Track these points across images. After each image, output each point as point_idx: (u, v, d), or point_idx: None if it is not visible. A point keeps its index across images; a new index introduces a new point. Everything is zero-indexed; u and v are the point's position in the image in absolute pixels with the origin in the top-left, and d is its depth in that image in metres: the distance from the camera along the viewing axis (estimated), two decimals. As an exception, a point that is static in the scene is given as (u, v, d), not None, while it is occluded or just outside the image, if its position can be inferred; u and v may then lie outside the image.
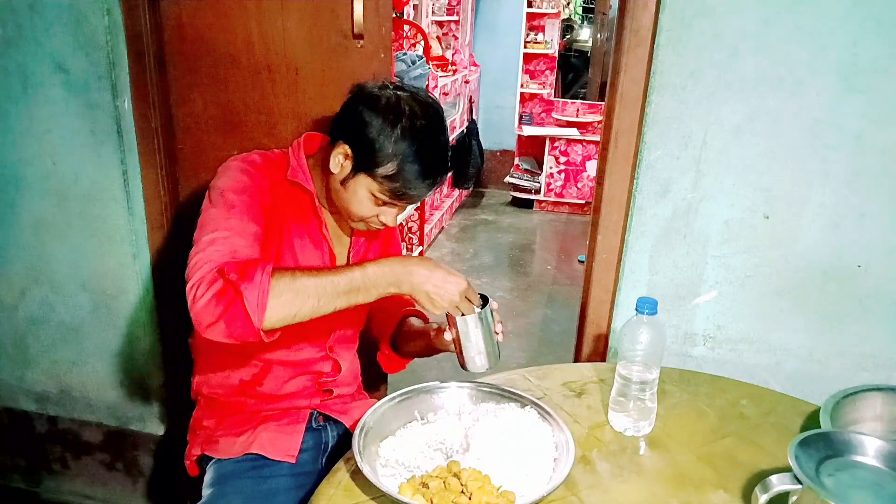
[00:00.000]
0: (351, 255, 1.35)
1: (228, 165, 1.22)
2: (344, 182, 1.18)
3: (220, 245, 1.06)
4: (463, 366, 1.19)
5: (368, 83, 1.20)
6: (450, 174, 1.18)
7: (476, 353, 1.17)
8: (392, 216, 1.21)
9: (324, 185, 1.25)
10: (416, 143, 1.13)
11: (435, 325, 1.27)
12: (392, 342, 1.43)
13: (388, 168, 1.13)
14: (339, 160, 1.17)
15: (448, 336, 1.19)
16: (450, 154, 1.20)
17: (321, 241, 1.28)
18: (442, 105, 1.26)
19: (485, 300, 1.18)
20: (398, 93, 1.16)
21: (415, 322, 1.40)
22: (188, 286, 1.01)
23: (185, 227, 1.86)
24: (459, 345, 1.17)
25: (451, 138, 4.80)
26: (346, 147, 1.15)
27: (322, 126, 1.56)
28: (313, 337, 1.33)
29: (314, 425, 1.36)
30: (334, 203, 1.25)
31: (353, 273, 1.05)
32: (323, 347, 1.35)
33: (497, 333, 1.19)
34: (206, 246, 1.06)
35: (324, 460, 1.33)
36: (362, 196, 1.17)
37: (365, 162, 1.14)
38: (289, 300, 1.00)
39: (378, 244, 1.42)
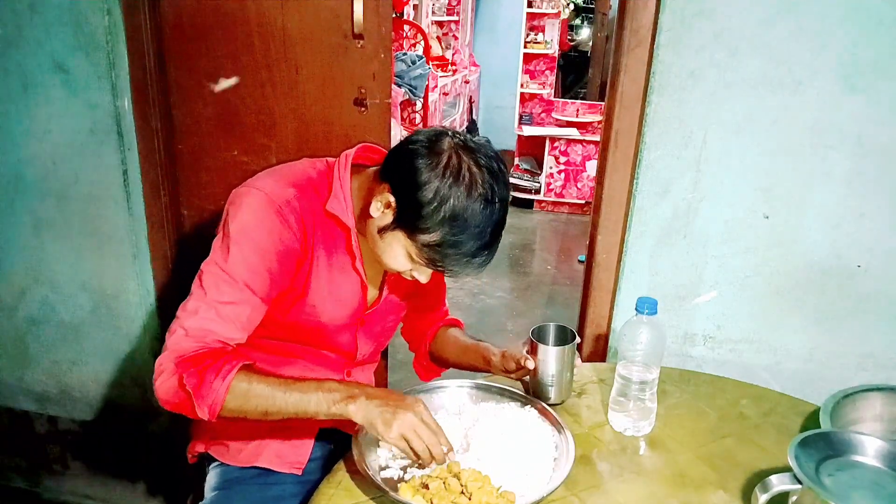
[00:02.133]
0: (385, 289, 1.26)
1: (250, 198, 1.07)
2: (381, 232, 1.06)
3: (197, 322, 1.02)
4: (533, 394, 1.21)
5: (426, 130, 1.06)
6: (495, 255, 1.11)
7: (549, 385, 1.18)
8: (426, 276, 1.11)
9: (365, 211, 1.12)
10: (467, 218, 0.99)
11: (496, 350, 1.23)
12: (429, 350, 1.40)
13: (431, 238, 1.01)
14: (380, 206, 1.05)
15: (530, 364, 1.16)
16: (502, 232, 1.06)
17: (354, 273, 1.19)
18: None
19: (573, 336, 1.20)
20: (461, 153, 1.00)
21: (459, 335, 1.36)
22: (157, 359, 1.02)
23: (185, 227, 1.86)
24: (536, 373, 1.18)
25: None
26: (391, 197, 1.03)
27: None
28: (333, 364, 1.28)
29: (324, 437, 1.33)
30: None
31: (308, 396, 1.01)
32: (341, 371, 1.31)
33: (575, 367, 1.21)
34: (187, 316, 1.03)
35: (330, 467, 1.32)
36: (398, 252, 1.06)
37: (407, 221, 1.02)
38: (240, 404, 1.00)
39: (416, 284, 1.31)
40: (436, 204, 0.98)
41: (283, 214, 1.07)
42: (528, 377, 1.21)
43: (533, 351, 1.17)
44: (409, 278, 1.13)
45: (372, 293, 1.25)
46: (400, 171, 1.03)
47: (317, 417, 1.01)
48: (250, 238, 1.05)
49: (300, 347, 1.24)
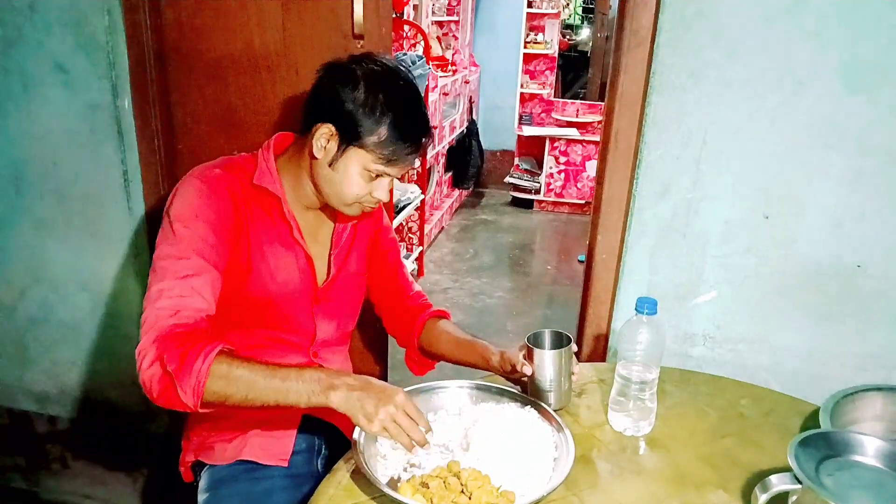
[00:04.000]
0: (333, 253, 1.31)
1: (183, 185, 1.18)
2: (332, 163, 1.15)
3: (165, 301, 1.04)
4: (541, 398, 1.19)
5: (333, 61, 1.19)
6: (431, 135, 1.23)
7: (547, 390, 1.17)
8: (385, 189, 1.20)
9: (298, 183, 1.23)
10: (402, 103, 1.13)
11: (495, 350, 1.24)
12: (419, 345, 1.41)
13: (381, 133, 1.12)
14: (322, 143, 1.15)
15: (528, 370, 1.16)
16: (427, 113, 1.21)
17: (293, 244, 1.25)
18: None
19: (567, 340, 1.18)
20: (367, 64, 1.15)
21: (452, 329, 1.36)
22: (136, 349, 1.03)
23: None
24: (534, 378, 1.17)
25: (450, 138, 4.83)
26: (330, 126, 1.13)
27: (287, 125, 1.56)
28: (296, 346, 1.30)
29: (307, 428, 1.33)
30: (316, 195, 1.22)
31: (287, 385, 1.01)
32: (307, 354, 1.32)
33: (573, 373, 1.20)
34: (154, 300, 1.05)
35: (319, 462, 1.32)
36: (354, 172, 1.15)
37: (353, 135, 1.12)
38: (221, 386, 1.00)
39: (367, 228, 1.39)
40: (368, 101, 1.11)
41: (213, 187, 1.16)
42: (526, 382, 1.20)
43: (529, 356, 1.17)
44: (371, 204, 1.21)
45: (321, 269, 1.30)
46: (327, 102, 1.14)
47: (297, 406, 1.03)
48: (191, 213, 1.13)
49: (263, 333, 1.26)
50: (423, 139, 1.18)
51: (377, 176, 1.17)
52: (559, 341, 1.21)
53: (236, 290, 1.19)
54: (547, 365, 1.16)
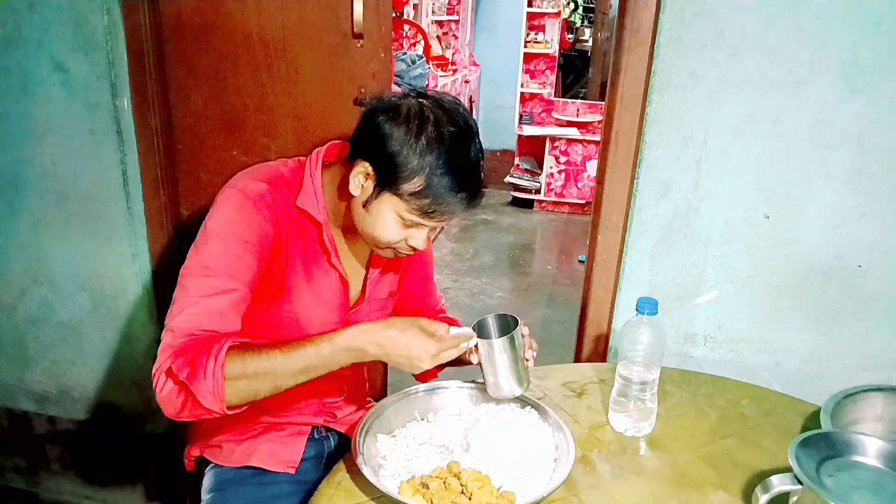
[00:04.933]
0: (368, 277, 1.25)
1: (225, 197, 1.09)
2: (366, 204, 1.06)
3: (185, 319, 1.01)
4: (489, 391, 1.12)
5: (386, 93, 1.10)
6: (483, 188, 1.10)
7: (499, 378, 1.09)
8: (422, 239, 1.09)
9: (339, 204, 1.15)
10: (444, 151, 1.01)
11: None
12: None
13: (415, 183, 1.01)
14: (360, 180, 1.06)
15: (474, 359, 1.10)
16: (483, 163, 1.08)
17: (330, 268, 1.19)
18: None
19: (514, 322, 1.10)
20: (420, 100, 1.04)
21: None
22: (153, 368, 1.00)
23: (185, 227, 1.86)
24: (482, 370, 1.11)
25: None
26: (367, 165, 1.04)
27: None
28: None
29: (316, 436, 1.33)
30: (355, 228, 1.13)
31: (305, 351, 1.00)
32: (327, 376, 1.31)
33: (527, 360, 1.12)
34: (173, 316, 1.02)
35: (325, 467, 1.32)
36: (388, 218, 1.06)
37: (388, 179, 1.02)
38: (244, 385, 0.98)
39: (402, 269, 1.32)
40: (408, 149, 1.00)
41: (258, 207, 1.08)
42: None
43: (476, 348, 1.09)
44: (406, 251, 1.12)
45: (354, 292, 1.25)
46: (367, 138, 1.05)
47: (326, 370, 1.01)
48: (228, 229, 1.06)
49: None
50: (469, 196, 1.05)
51: (413, 224, 1.07)
52: (506, 326, 1.12)
53: (265, 308, 1.15)
54: (495, 354, 1.08)
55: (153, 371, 1.00)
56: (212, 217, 1.08)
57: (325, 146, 1.18)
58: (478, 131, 1.08)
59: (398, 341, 1.01)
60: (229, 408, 0.99)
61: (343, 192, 1.12)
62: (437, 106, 1.04)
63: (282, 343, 1.01)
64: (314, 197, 1.13)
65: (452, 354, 1.05)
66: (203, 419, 1.32)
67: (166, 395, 0.98)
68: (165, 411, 0.99)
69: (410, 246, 1.11)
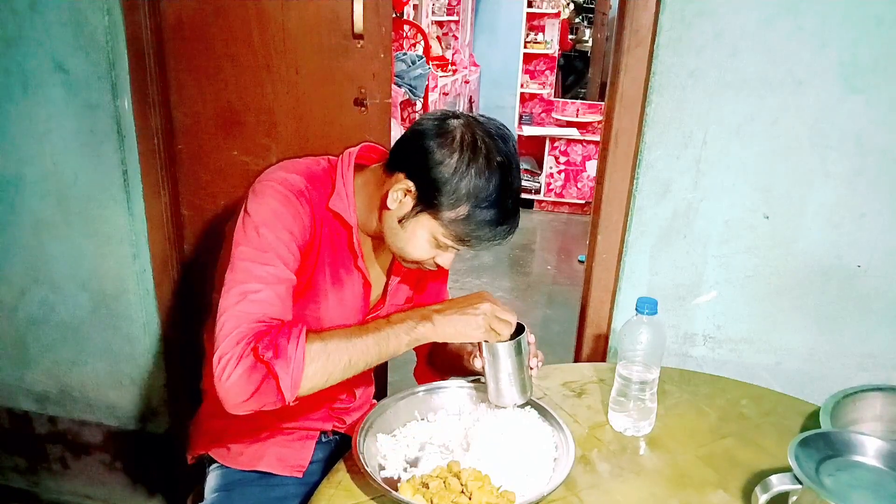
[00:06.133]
0: (390, 283, 1.25)
1: (266, 188, 1.08)
2: (402, 221, 1.06)
3: (250, 305, 0.99)
4: (490, 397, 1.11)
5: (429, 113, 1.09)
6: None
7: (501, 384, 1.08)
8: (449, 260, 1.12)
9: (369, 211, 1.14)
10: (491, 184, 1.01)
11: (470, 347, 1.20)
12: (427, 357, 1.39)
13: (459, 212, 1.02)
14: (399, 196, 1.05)
15: (478, 364, 1.11)
16: (521, 196, 1.09)
17: (356, 270, 1.19)
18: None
19: (521, 329, 1.09)
20: (473, 128, 1.03)
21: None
22: (216, 355, 0.95)
23: (185, 227, 1.86)
24: (485, 373, 1.10)
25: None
26: (409, 183, 1.03)
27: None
28: None
29: (324, 439, 1.33)
30: (382, 236, 1.13)
31: (382, 333, 1.02)
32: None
33: (531, 368, 1.12)
34: (236, 302, 0.99)
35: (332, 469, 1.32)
36: (422, 238, 1.07)
37: (431, 202, 1.02)
38: (321, 367, 0.97)
39: (418, 283, 1.32)
40: (457, 178, 1.00)
41: (299, 199, 1.08)
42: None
43: (480, 352, 1.09)
44: (430, 267, 1.14)
45: (375, 295, 1.25)
46: (414, 155, 1.04)
47: (400, 351, 1.04)
48: (276, 219, 1.05)
49: None
50: (508, 229, 1.06)
51: (445, 246, 1.08)
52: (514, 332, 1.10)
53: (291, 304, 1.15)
54: (500, 359, 1.07)
55: (216, 358, 0.96)
56: (261, 205, 1.06)
57: (357, 147, 1.17)
58: (518, 160, 1.08)
59: (456, 301, 1.06)
60: (296, 398, 0.98)
61: (374, 199, 1.12)
62: (487, 135, 1.03)
63: (350, 328, 1.04)
64: (345, 200, 1.13)
65: (503, 327, 1.07)
66: (211, 421, 1.32)
67: (236, 381, 0.94)
68: (230, 400, 0.96)
69: (437, 263, 1.12)
